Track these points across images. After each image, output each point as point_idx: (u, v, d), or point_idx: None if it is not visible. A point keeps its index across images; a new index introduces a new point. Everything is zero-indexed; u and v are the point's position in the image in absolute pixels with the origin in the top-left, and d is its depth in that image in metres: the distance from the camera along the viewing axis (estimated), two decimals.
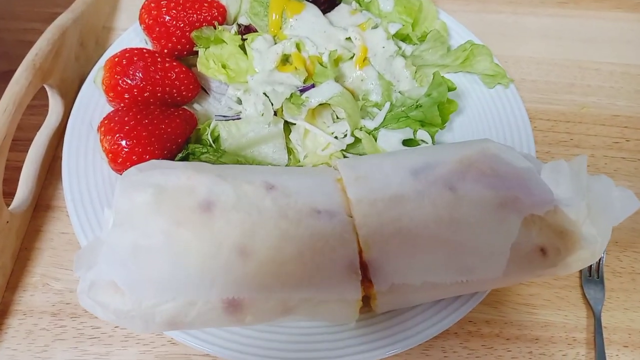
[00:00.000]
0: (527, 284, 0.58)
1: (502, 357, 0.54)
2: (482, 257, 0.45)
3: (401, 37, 0.67)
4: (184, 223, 0.44)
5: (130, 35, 0.69)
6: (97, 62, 0.68)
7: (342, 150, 0.59)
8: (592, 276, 0.59)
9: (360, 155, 0.60)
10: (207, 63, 0.61)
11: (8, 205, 0.56)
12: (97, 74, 0.60)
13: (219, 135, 0.59)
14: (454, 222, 0.46)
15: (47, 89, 0.64)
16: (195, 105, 0.64)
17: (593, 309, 0.57)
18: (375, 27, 0.62)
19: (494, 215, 0.46)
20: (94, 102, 0.63)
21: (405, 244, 0.45)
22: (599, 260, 0.59)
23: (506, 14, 0.81)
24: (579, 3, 0.82)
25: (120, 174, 0.53)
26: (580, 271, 0.59)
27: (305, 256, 0.44)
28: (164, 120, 0.56)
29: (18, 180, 0.61)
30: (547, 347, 0.55)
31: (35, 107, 0.64)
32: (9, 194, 0.58)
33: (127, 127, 0.54)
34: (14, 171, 0.60)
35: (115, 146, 0.54)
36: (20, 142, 0.60)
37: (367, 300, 0.51)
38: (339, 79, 0.59)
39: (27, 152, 0.63)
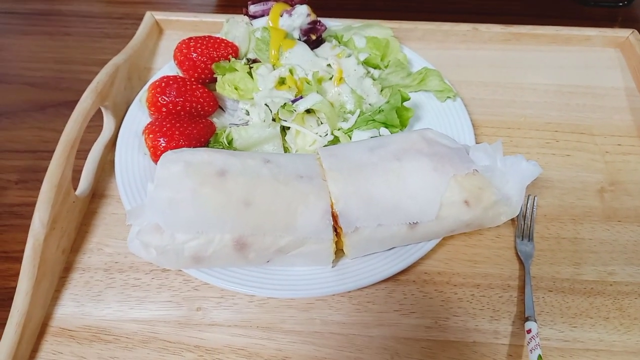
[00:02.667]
0: (472, 246, 0.74)
1: (450, 298, 0.69)
2: (420, 205, 0.62)
3: (372, 65, 0.87)
4: (205, 183, 0.61)
5: (165, 70, 0.90)
6: (139, 91, 0.89)
7: (324, 145, 0.77)
8: (524, 239, 0.74)
9: None
10: (224, 86, 0.81)
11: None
12: (142, 95, 0.80)
13: (232, 138, 0.78)
14: (399, 181, 0.63)
15: (103, 109, 0.84)
16: (214, 119, 0.83)
17: (524, 263, 0.71)
18: (349, 56, 0.83)
19: (428, 176, 0.63)
20: (138, 118, 0.83)
21: (364, 198, 0.62)
22: (529, 226, 0.74)
23: (461, 49, 1.01)
24: (520, 40, 1.02)
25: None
26: (515, 236, 0.74)
27: (291, 206, 0.61)
28: (191, 125, 0.76)
29: (80, 179, 0.80)
30: (487, 291, 0.69)
31: (92, 127, 0.84)
32: (74, 188, 0.76)
33: (164, 129, 0.74)
34: (76, 173, 0.79)
35: (156, 142, 0.73)
36: (80, 152, 0.78)
37: (340, 252, 0.68)
38: (321, 93, 0.78)
39: (86, 159, 0.82)
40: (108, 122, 0.86)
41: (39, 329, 0.66)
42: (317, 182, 0.63)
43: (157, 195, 0.61)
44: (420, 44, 1.01)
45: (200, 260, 0.62)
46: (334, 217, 0.63)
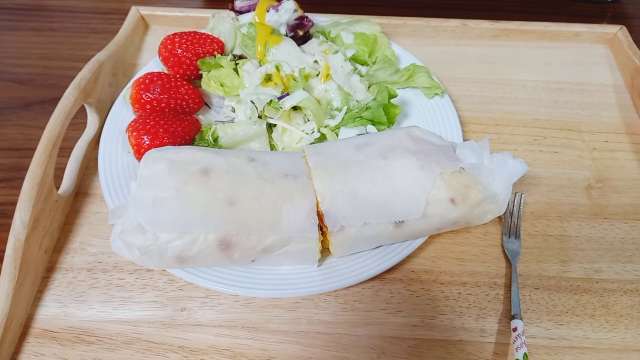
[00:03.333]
0: (459, 244, 0.73)
1: (437, 296, 0.68)
2: (406, 203, 0.62)
3: (360, 62, 0.86)
4: (189, 182, 0.60)
5: (151, 66, 0.89)
6: (124, 87, 0.88)
7: (311, 143, 0.76)
8: (511, 237, 0.74)
9: None
10: (209, 82, 0.80)
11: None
12: (126, 92, 0.79)
13: (217, 136, 0.77)
14: (385, 179, 0.62)
15: (87, 106, 0.83)
16: (200, 116, 0.82)
17: (511, 261, 0.71)
18: (336, 52, 0.82)
19: (415, 174, 0.62)
20: (122, 115, 0.82)
21: (350, 196, 0.61)
22: (516, 224, 0.74)
23: (450, 46, 1.01)
24: (509, 36, 1.01)
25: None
26: (502, 233, 0.74)
27: (276, 205, 0.61)
28: (175, 122, 0.74)
29: (63, 178, 0.79)
30: (473, 289, 0.69)
31: (76, 124, 0.83)
32: (57, 187, 0.75)
33: (148, 127, 0.72)
34: (59, 171, 0.78)
35: (140, 140, 0.72)
36: (63, 150, 0.77)
37: (326, 251, 0.67)
38: (308, 90, 0.78)
39: (69, 157, 0.81)
40: (92, 119, 0.85)
41: (20, 331, 0.65)
42: (303, 180, 0.63)
43: (140, 194, 0.60)
44: (410, 40, 1.00)
45: (184, 261, 0.62)
46: (320, 216, 0.62)
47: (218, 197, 0.60)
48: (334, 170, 0.63)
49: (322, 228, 0.63)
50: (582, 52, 1.01)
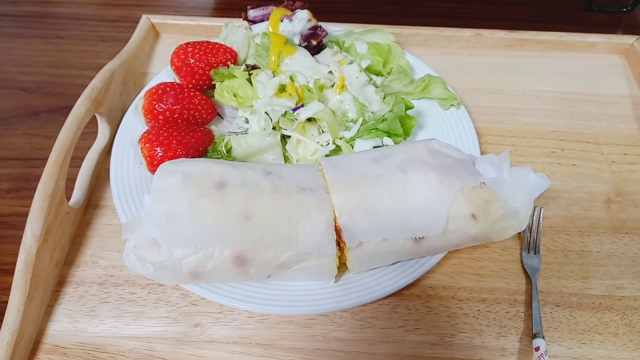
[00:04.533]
0: (477, 259, 0.72)
1: (456, 313, 0.67)
2: (426, 219, 0.60)
3: (374, 72, 0.85)
4: (203, 195, 0.59)
5: (162, 76, 0.88)
6: (135, 98, 0.86)
7: (326, 155, 0.75)
8: (530, 252, 0.72)
9: None
10: (222, 93, 0.79)
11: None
12: (138, 102, 0.78)
13: (231, 147, 0.76)
14: (405, 193, 0.61)
15: (98, 116, 0.82)
16: (213, 127, 0.81)
17: (531, 277, 0.70)
18: (351, 62, 0.81)
19: (434, 188, 0.61)
20: (134, 125, 0.81)
21: (368, 211, 0.60)
22: (536, 238, 0.72)
23: (463, 55, 0.99)
24: (524, 46, 1.00)
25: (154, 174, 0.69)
26: (521, 248, 0.73)
27: (293, 220, 0.59)
28: (189, 133, 0.73)
29: (73, 188, 0.78)
30: (493, 306, 0.68)
31: (86, 134, 0.82)
32: (67, 198, 0.73)
33: (161, 138, 0.71)
34: (70, 182, 0.76)
35: (153, 152, 0.71)
36: (74, 160, 0.75)
37: (343, 267, 0.66)
38: (323, 101, 0.76)
39: (80, 167, 0.80)
40: (103, 129, 0.83)
41: (31, 346, 0.63)
42: (320, 194, 0.61)
43: (154, 208, 0.59)
44: (422, 50, 0.99)
45: (198, 276, 0.60)
46: (337, 231, 0.61)
47: (234, 211, 0.59)
48: (352, 184, 0.62)
49: (339, 243, 0.61)
50: (598, 62, 0.99)
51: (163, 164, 0.64)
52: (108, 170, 0.76)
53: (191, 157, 0.72)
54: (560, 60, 0.99)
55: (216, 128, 0.80)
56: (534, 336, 0.62)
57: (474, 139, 0.79)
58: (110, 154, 0.78)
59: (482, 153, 0.80)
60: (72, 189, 0.77)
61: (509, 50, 1.00)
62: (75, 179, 0.78)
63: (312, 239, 0.59)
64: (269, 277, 0.63)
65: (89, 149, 0.82)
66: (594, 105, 0.92)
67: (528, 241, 0.72)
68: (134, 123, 0.81)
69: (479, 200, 0.61)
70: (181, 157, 0.71)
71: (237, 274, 0.61)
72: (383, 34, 0.90)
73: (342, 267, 0.65)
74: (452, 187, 0.61)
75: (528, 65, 0.98)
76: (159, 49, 1.01)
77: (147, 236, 0.59)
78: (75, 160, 0.77)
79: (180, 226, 0.58)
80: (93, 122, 0.82)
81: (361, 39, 0.88)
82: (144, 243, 0.59)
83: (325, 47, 0.86)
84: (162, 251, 0.58)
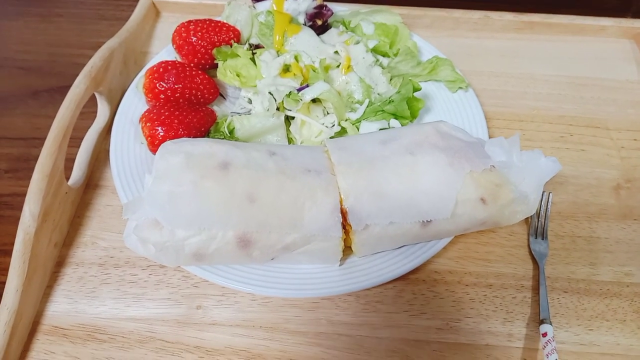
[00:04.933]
0: (484, 244, 0.71)
1: (462, 298, 0.66)
2: (434, 202, 0.59)
3: (380, 53, 0.83)
4: (207, 176, 0.58)
5: (163, 55, 0.86)
6: (135, 77, 0.84)
7: (331, 137, 0.73)
8: (538, 238, 0.71)
9: None
10: (225, 72, 0.77)
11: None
12: (139, 81, 0.76)
13: (233, 128, 0.74)
14: (413, 176, 0.59)
15: (97, 95, 0.80)
16: (215, 107, 0.79)
17: (538, 262, 0.69)
18: (357, 43, 0.79)
19: (443, 171, 0.59)
20: (134, 104, 0.79)
21: (375, 193, 0.59)
22: (544, 224, 0.71)
23: (471, 38, 0.97)
24: (533, 29, 0.98)
25: (156, 154, 0.68)
26: (528, 234, 0.72)
27: (298, 202, 0.58)
28: (190, 113, 0.72)
29: (72, 168, 0.76)
30: (500, 292, 0.67)
31: (86, 113, 0.80)
32: (66, 178, 0.72)
33: (162, 117, 0.70)
34: (69, 162, 0.75)
35: (154, 131, 0.69)
36: (73, 139, 0.73)
37: (348, 250, 0.64)
38: (328, 82, 0.74)
39: (78, 147, 0.78)
40: (102, 108, 0.82)
41: (30, 328, 0.62)
42: (326, 176, 0.60)
43: (155, 188, 0.57)
44: (429, 32, 0.97)
45: (201, 258, 0.59)
46: (343, 214, 0.59)
47: (237, 192, 0.57)
48: (359, 167, 0.60)
49: (344, 226, 0.60)
50: (607, 47, 0.97)
51: (165, 143, 0.62)
52: (108, 150, 0.75)
53: (193, 137, 0.71)
54: (569, 44, 0.97)
55: (218, 108, 0.78)
56: (541, 322, 0.61)
57: (482, 122, 0.77)
58: (110, 134, 0.76)
59: (490, 137, 0.78)
60: (72, 169, 0.75)
61: (517, 33, 0.98)
62: (74, 159, 0.76)
63: (317, 221, 0.58)
64: (272, 259, 0.61)
65: (89, 128, 0.80)
66: (604, 90, 0.90)
67: (536, 226, 0.71)
68: (135, 102, 0.79)
69: (488, 183, 0.60)
70: (182, 136, 0.70)
71: (240, 256, 0.60)
72: (390, 15, 0.88)
73: (346, 250, 0.64)
74: (462, 170, 0.60)
75: (537, 48, 0.96)
76: (160, 28, 0.99)
77: (149, 217, 0.57)
78: (75, 140, 0.75)
79: (183, 207, 0.56)
80: (92, 102, 0.80)
81: (367, 19, 0.86)
82: (146, 224, 0.57)
83: (330, 27, 0.84)
84: (164, 232, 0.57)
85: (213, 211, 0.57)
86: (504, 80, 0.91)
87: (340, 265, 0.64)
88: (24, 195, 0.63)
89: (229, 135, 0.73)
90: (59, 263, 0.68)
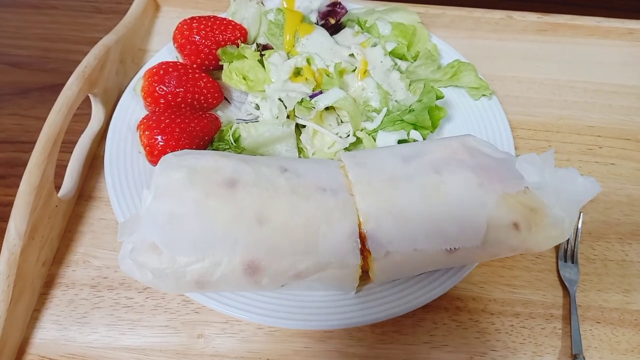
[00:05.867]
0: (509, 268, 0.65)
1: (487, 329, 0.61)
2: (463, 228, 0.53)
3: (398, 56, 0.77)
4: (212, 195, 0.52)
5: (163, 54, 0.79)
6: (133, 77, 0.78)
7: (345, 148, 0.68)
8: (567, 261, 0.66)
9: None
10: (231, 75, 0.71)
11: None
12: (136, 83, 0.70)
13: (239, 136, 0.69)
14: (439, 198, 0.54)
15: (91, 97, 0.74)
16: (219, 112, 0.73)
17: (568, 289, 0.63)
18: (375, 45, 0.73)
19: (473, 193, 0.54)
20: (131, 108, 0.73)
21: (397, 217, 0.53)
22: (573, 247, 0.66)
23: (492, 40, 0.91)
24: (557, 30, 0.92)
25: (155, 165, 0.62)
26: (557, 257, 0.66)
27: (312, 225, 0.52)
28: (193, 120, 0.66)
29: (64, 176, 0.70)
30: (527, 322, 0.62)
31: (79, 115, 0.74)
32: (56, 187, 0.66)
33: (162, 125, 0.64)
34: (60, 169, 0.69)
35: (153, 140, 0.63)
36: (65, 144, 0.68)
37: (365, 275, 0.59)
38: (343, 87, 0.69)
39: (71, 153, 0.72)
40: (97, 111, 0.76)
41: (14, 357, 0.57)
42: (343, 196, 0.54)
43: (155, 208, 0.52)
44: (448, 32, 0.91)
45: (204, 286, 0.53)
46: (362, 239, 0.54)
47: (246, 213, 0.52)
48: (379, 186, 0.54)
49: (362, 252, 0.55)
50: (636, 51, 0.92)
51: (165, 156, 0.56)
52: (102, 157, 0.69)
53: (195, 147, 0.65)
54: (595, 48, 0.92)
55: (223, 114, 0.73)
56: (574, 357, 0.57)
57: (507, 133, 0.72)
58: (105, 140, 0.70)
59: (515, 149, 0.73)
60: (63, 176, 0.69)
61: (540, 35, 0.92)
62: (66, 166, 0.70)
63: (333, 247, 0.52)
64: (282, 286, 0.56)
65: (82, 132, 0.74)
66: (634, 98, 0.85)
67: (565, 249, 0.66)
68: (132, 106, 0.73)
69: (522, 207, 0.54)
70: (184, 146, 0.64)
71: (247, 284, 0.54)
72: (407, 14, 0.82)
73: (363, 275, 0.58)
74: (493, 191, 0.54)
75: (560, 52, 0.90)
76: (160, 23, 0.92)
77: (147, 240, 0.52)
78: (67, 145, 0.70)
79: (185, 229, 0.51)
80: (87, 103, 0.74)
81: (384, 18, 0.80)
82: (143, 247, 0.52)
83: (344, 27, 0.78)
84: (163, 257, 0.51)
85: (218, 234, 0.51)
86: (527, 86, 0.85)
87: (356, 293, 0.58)
88: (11, 205, 0.57)
89: (234, 144, 0.68)
90: (48, 283, 0.62)
